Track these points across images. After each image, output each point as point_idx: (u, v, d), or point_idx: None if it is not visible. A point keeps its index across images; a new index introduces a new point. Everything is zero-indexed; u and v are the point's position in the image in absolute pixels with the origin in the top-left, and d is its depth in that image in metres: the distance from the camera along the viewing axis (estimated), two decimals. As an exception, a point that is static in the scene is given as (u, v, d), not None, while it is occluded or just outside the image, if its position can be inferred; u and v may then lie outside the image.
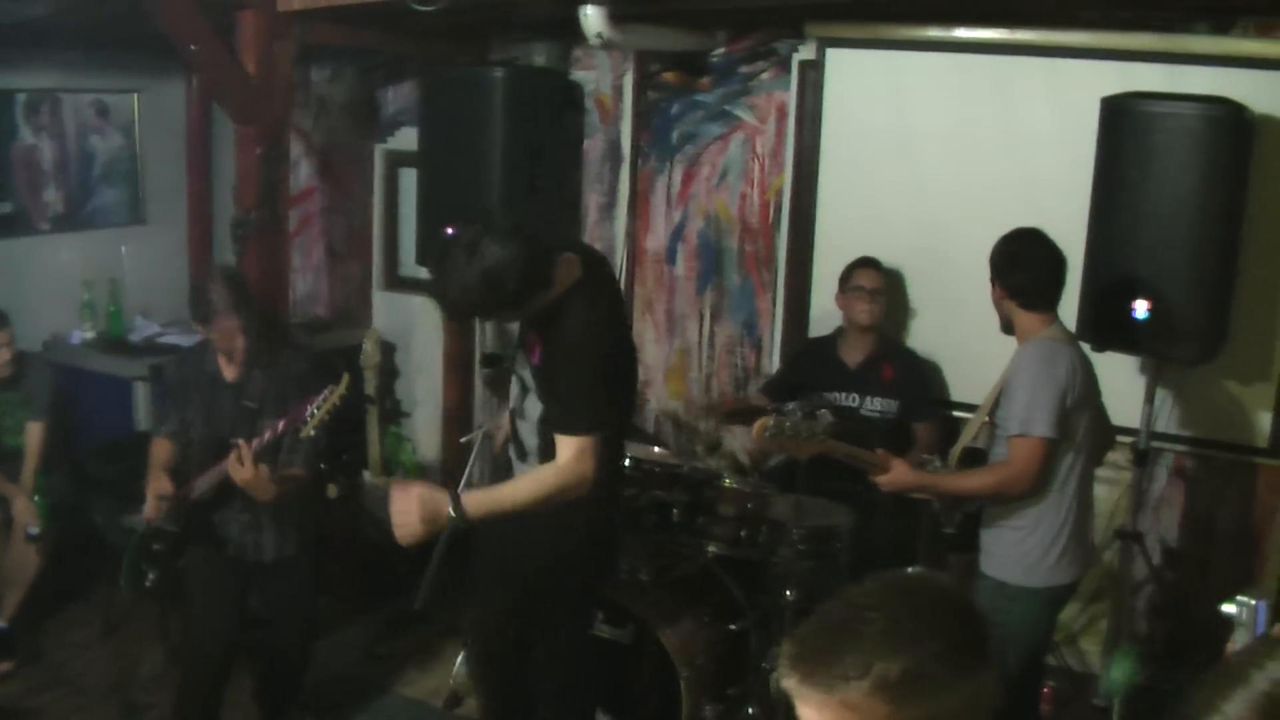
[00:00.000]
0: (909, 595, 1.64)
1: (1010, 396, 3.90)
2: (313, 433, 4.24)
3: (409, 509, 3.51)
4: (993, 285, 4.03)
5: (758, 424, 3.68)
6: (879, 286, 5.24)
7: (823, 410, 3.74)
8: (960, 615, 1.64)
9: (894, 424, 5.19)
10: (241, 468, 4.18)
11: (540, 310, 3.66)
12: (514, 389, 3.93)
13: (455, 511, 3.51)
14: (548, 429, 3.70)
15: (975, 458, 4.18)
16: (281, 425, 4.23)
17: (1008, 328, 4.06)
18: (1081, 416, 3.96)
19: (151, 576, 4.54)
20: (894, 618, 1.58)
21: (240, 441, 4.21)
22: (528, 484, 3.67)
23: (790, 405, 3.75)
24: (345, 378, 4.27)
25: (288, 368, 4.55)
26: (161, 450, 4.61)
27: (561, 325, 3.66)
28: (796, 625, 4.50)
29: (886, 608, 1.60)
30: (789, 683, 1.61)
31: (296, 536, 4.64)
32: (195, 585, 4.60)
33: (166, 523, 4.46)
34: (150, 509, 4.47)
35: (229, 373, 4.53)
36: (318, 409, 4.19)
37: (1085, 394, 3.94)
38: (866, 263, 5.27)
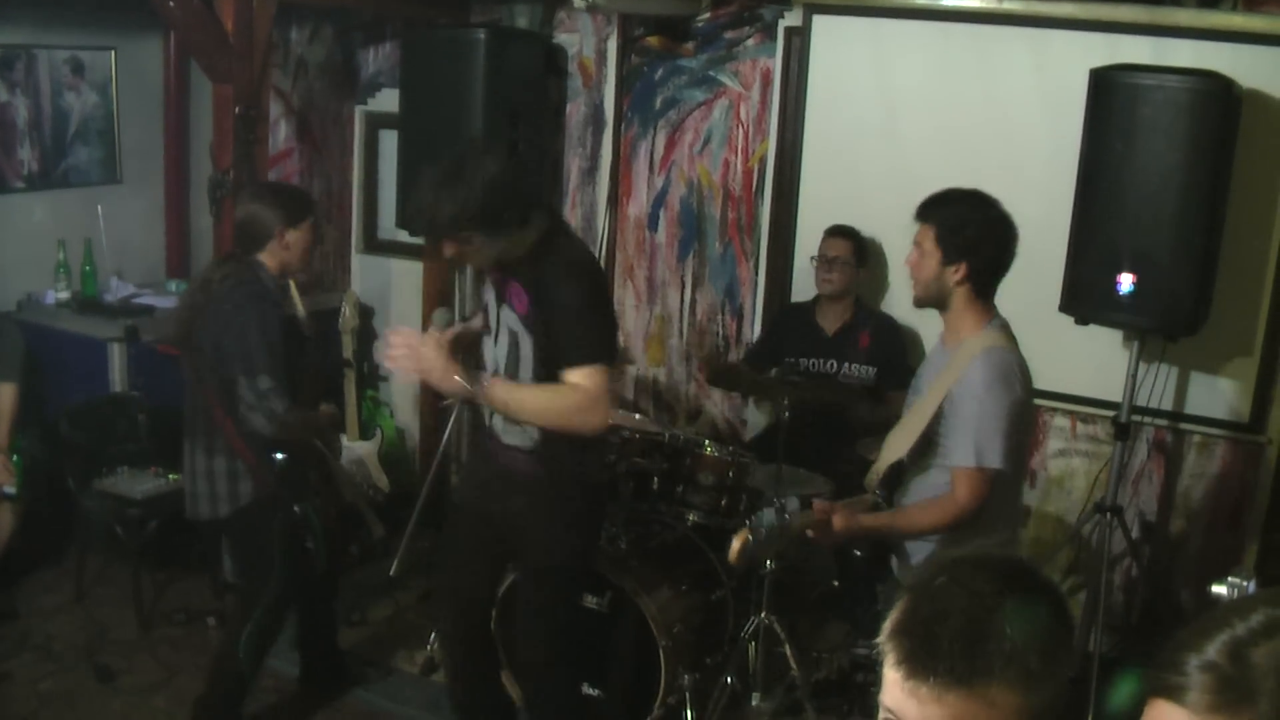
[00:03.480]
0: (1014, 578, 1.59)
1: (957, 422, 3.51)
2: None
3: (422, 352, 3.60)
4: (941, 253, 3.54)
5: (734, 548, 3.26)
6: (843, 256, 5.26)
7: (789, 500, 3.42)
8: (1055, 594, 1.62)
9: (870, 390, 5.21)
10: None
11: (521, 255, 3.65)
12: (496, 350, 3.84)
13: (473, 385, 3.57)
14: (551, 370, 3.65)
15: (897, 474, 3.81)
16: None
17: (931, 303, 3.63)
18: (1029, 423, 3.73)
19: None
20: (1012, 603, 1.54)
21: None
22: (549, 394, 3.66)
23: (757, 515, 3.33)
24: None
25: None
26: (311, 418, 4.57)
27: (551, 262, 3.64)
28: (775, 596, 4.47)
29: (1000, 593, 1.55)
30: (909, 680, 1.54)
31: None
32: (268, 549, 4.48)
33: None
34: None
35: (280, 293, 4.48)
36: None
37: (1030, 395, 3.63)
38: (835, 231, 5.30)
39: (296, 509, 4.41)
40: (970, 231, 3.53)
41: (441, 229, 3.60)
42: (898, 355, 5.26)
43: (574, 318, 3.61)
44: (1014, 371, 3.52)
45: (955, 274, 3.53)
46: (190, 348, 4.36)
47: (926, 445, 3.65)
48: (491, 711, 4.42)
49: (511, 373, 3.76)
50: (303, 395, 4.40)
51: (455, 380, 3.61)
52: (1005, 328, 3.61)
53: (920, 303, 3.69)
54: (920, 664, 1.53)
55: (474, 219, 3.55)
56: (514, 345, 3.76)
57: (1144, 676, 1.43)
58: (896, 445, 3.76)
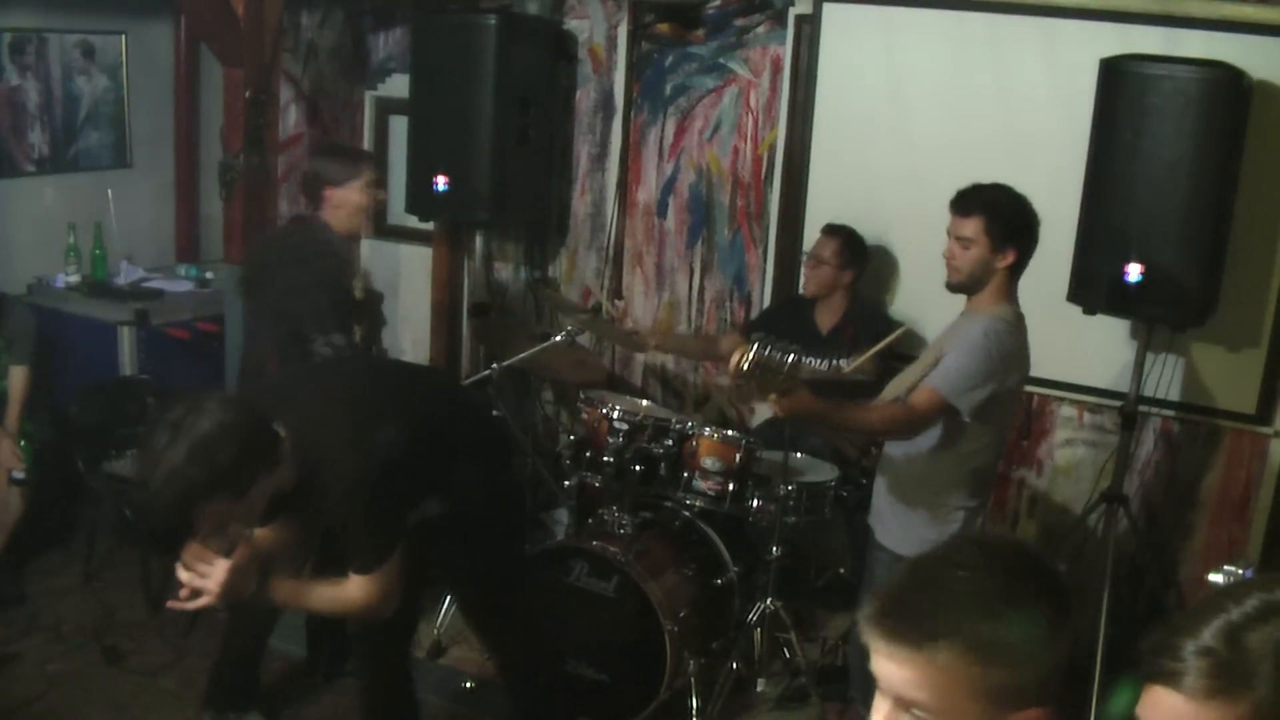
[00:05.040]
0: (1001, 558, 1.61)
1: (947, 357, 3.77)
2: None
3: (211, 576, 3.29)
4: (990, 242, 3.78)
5: (734, 358, 3.38)
6: (826, 255, 5.24)
7: (791, 345, 3.46)
8: (1049, 581, 1.61)
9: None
10: None
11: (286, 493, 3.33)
12: None
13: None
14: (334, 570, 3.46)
15: None
16: None
17: (968, 288, 3.88)
18: (1009, 404, 3.93)
19: None
20: (983, 578, 1.56)
21: None
22: (327, 596, 3.46)
23: (761, 336, 3.51)
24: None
25: None
26: None
27: (322, 481, 3.32)
28: (781, 581, 4.53)
29: (979, 568, 1.57)
30: (872, 638, 1.57)
31: None
32: None
33: None
34: None
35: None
36: None
37: (1019, 382, 3.90)
38: (826, 229, 5.30)
39: None
40: (1019, 220, 3.81)
41: (163, 510, 3.15)
42: (876, 331, 5.19)
43: (360, 525, 3.37)
44: (1011, 342, 3.79)
45: (1003, 261, 3.81)
46: (254, 300, 4.41)
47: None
48: None
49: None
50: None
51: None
52: (1020, 316, 3.88)
53: (957, 288, 3.91)
54: (879, 623, 1.57)
55: (195, 491, 3.07)
56: None
57: (1141, 663, 1.44)
58: (893, 387, 4.01)
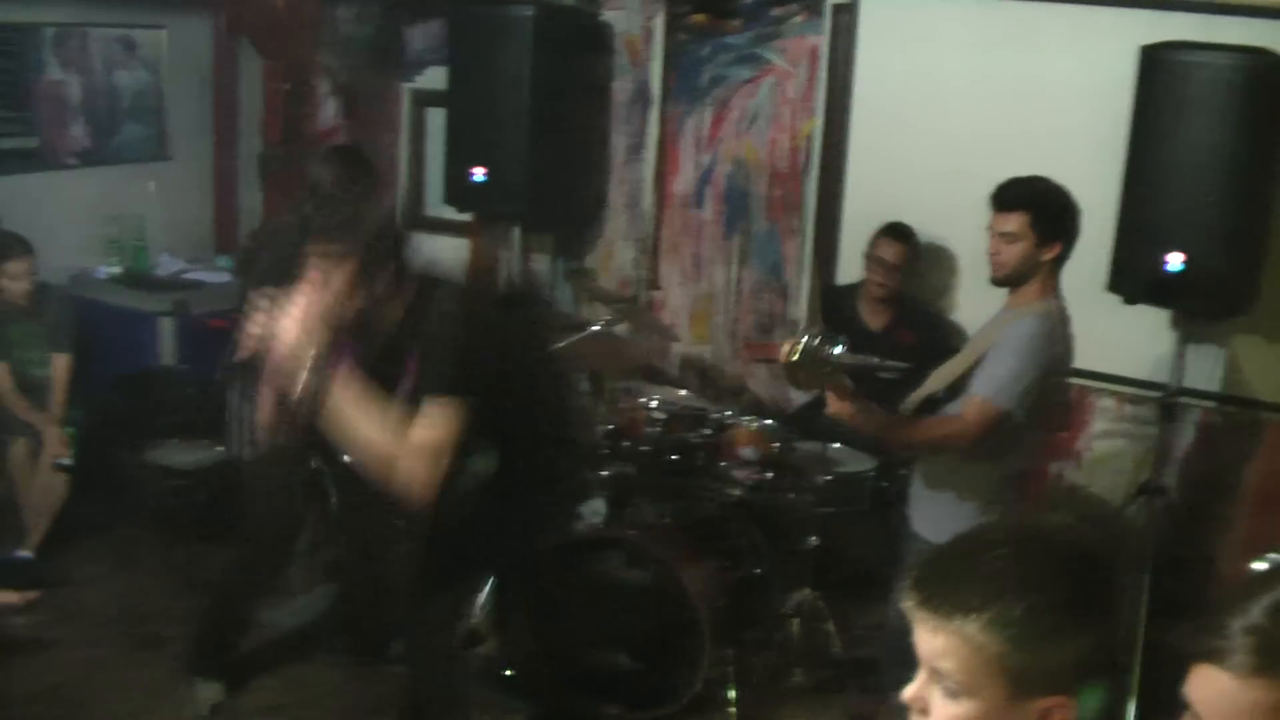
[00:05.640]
0: (1043, 539, 1.60)
1: (993, 359, 3.72)
2: None
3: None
4: (1036, 236, 3.74)
5: (785, 347, 3.38)
6: (898, 261, 5.21)
7: (841, 337, 3.42)
8: (1092, 567, 1.59)
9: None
10: None
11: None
12: None
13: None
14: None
15: (932, 407, 4.00)
16: None
17: (1013, 282, 3.83)
18: (1057, 398, 3.92)
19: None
20: (1023, 558, 1.55)
21: None
22: (378, 419, 3.28)
23: (810, 328, 3.51)
24: None
25: None
26: None
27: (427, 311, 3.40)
28: (816, 571, 4.51)
29: (1017, 547, 1.57)
30: (909, 604, 1.58)
31: None
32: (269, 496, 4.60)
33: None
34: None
35: None
36: None
37: (1064, 376, 3.89)
38: (891, 232, 5.24)
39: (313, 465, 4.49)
40: (1063, 213, 3.76)
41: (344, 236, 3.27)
42: (941, 353, 5.18)
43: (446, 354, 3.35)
44: (1060, 336, 3.74)
45: (1049, 254, 3.76)
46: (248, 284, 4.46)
47: (959, 386, 3.85)
48: None
49: None
50: None
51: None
52: (1064, 309, 3.82)
53: (1002, 283, 3.85)
54: (916, 590, 1.58)
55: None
56: None
57: (1186, 642, 1.44)
58: (936, 380, 3.97)
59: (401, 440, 3.25)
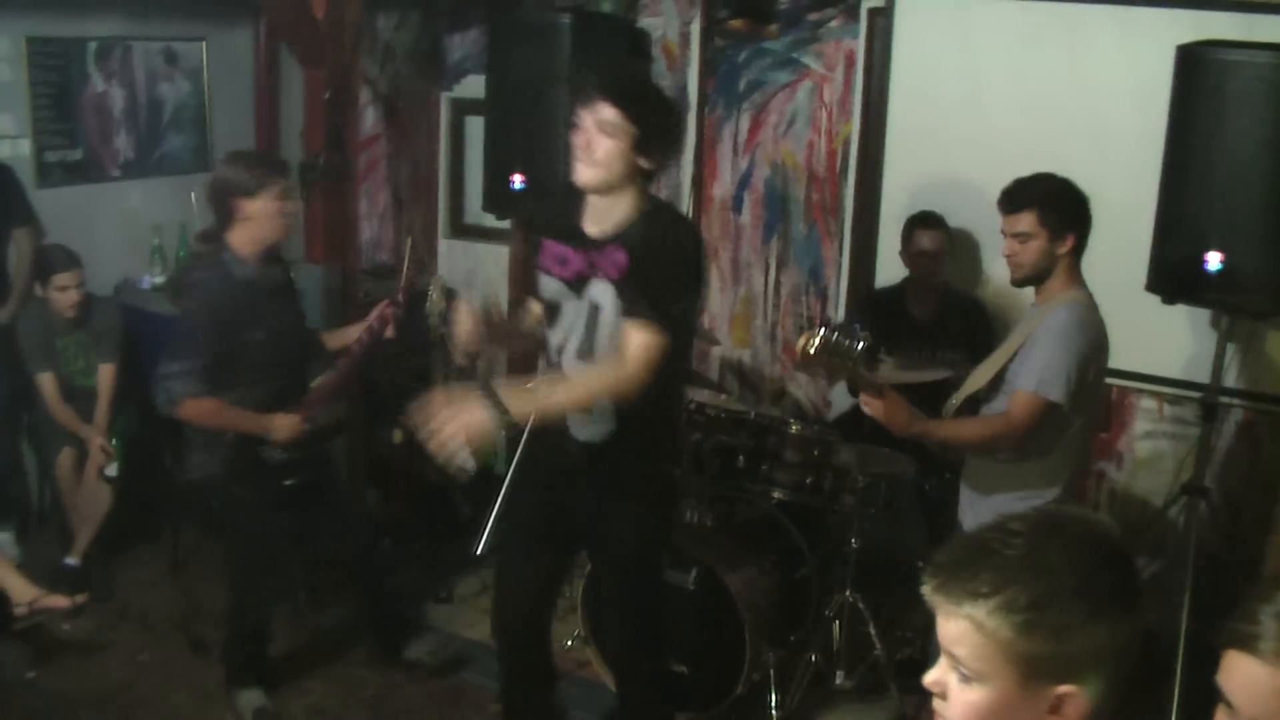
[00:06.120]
0: (1059, 529, 1.62)
1: (1031, 353, 3.77)
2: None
3: (452, 422, 3.35)
4: (1048, 232, 3.80)
5: (801, 340, 3.42)
6: (939, 246, 5.21)
7: (865, 333, 3.43)
8: (1107, 558, 1.61)
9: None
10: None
11: (625, 217, 3.63)
12: (566, 332, 3.77)
13: (501, 418, 3.40)
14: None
15: (974, 407, 4.06)
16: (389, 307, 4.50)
17: (1035, 280, 3.89)
18: (1099, 388, 3.92)
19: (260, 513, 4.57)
20: (1036, 547, 1.58)
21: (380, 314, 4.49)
22: (583, 381, 3.61)
23: (829, 324, 3.53)
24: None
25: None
26: (213, 408, 4.30)
27: (656, 227, 3.62)
28: (859, 573, 4.52)
29: (1032, 536, 1.60)
30: (928, 591, 1.62)
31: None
32: (251, 508, 4.56)
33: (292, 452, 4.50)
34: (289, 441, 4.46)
35: (275, 278, 4.47)
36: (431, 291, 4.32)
37: (1104, 364, 3.88)
38: (924, 221, 5.23)
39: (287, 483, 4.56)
40: (1072, 204, 3.82)
41: (630, 108, 3.50)
42: (986, 336, 5.23)
43: (663, 281, 3.56)
44: (1091, 321, 3.79)
45: (1064, 247, 3.81)
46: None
47: (998, 382, 3.91)
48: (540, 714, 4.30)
49: (587, 348, 3.71)
50: (245, 371, 4.37)
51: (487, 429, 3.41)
52: (1091, 296, 3.87)
53: (1023, 283, 3.92)
54: (934, 576, 1.62)
55: (659, 129, 3.59)
56: (592, 319, 3.69)
57: (1220, 631, 1.45)
58: (976, 379, 4.02)
59: (614, 375, 3.54)
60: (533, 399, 3.60)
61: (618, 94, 3.52)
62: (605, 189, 3.61)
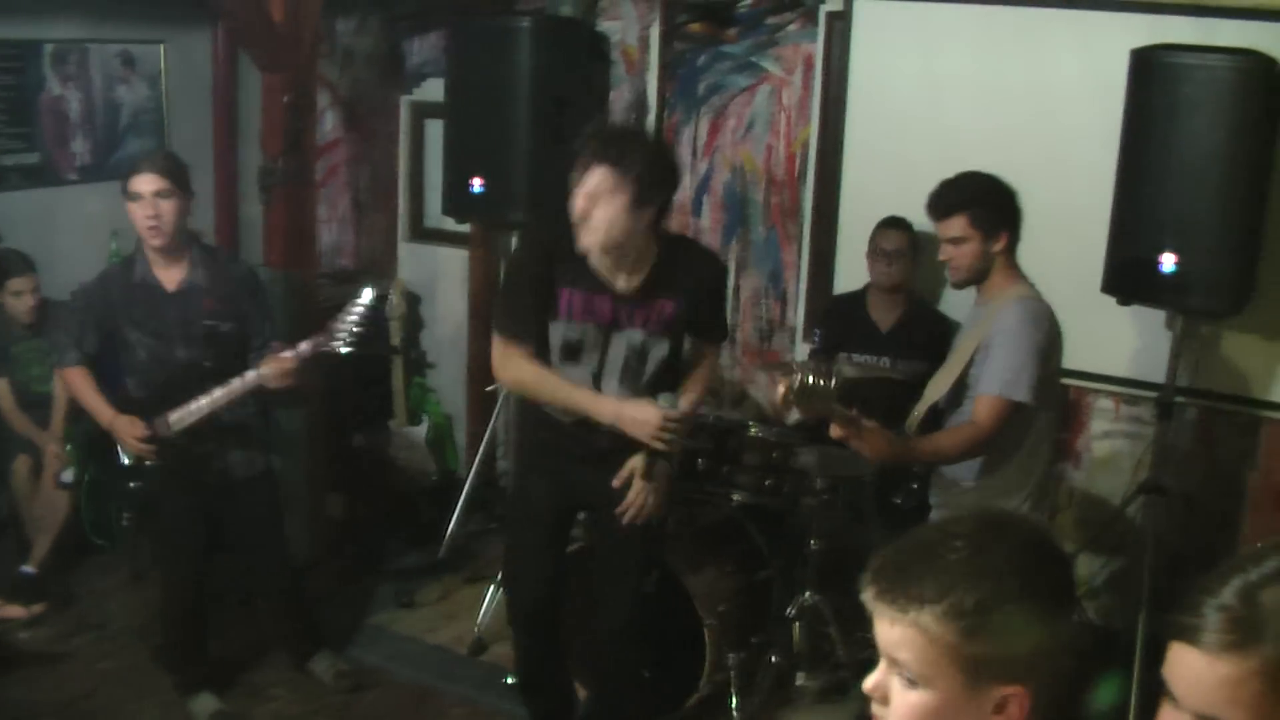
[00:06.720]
0: (999, 531, 1.64)
1: (990, 356, 3.81)
2: (344, 350, 4.21)
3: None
4: (981, 234, 3.85)
5: (780, 388, 3.41)
6: (901, 248, 5.18)
7: (837, 367, 3.57)
8: (1047, 559, 1.64)
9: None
10: (282, 376, 4.24)
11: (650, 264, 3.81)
12: (601, 362, 3.90)
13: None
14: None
15: (935, 417, 4.10)
16: (308, 345, 4.22)
17: (974, 281, 3.95)
18: (1058, 377, 3.98)
19: (127, 516, 4.61)
20: (979, 549, 1.59)
21: (279, 356, 4.26)
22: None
23: (802, 362, 3.60)
24: (369, 292, 4.27)
25: (230, 271, 4.51)
26: (82, 379, 4.49)
27: (693, 259, 3.93)
28: (820, 575, 4.53)
29: (974, 539, 1.61)
30: (868, 597, 1.63)
31: (263, 454, 4.66)
32: (164, 511, 4.60)
33: (150, 460, 4.43)
34: (133, 449, 4.41)
35: (170, 279, 4.44)
36: (350, 322, 4.18)
37: (1060, 354, 3.93)
38: (890, 223, 5.22)
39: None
40: (1001, 202, 3.87)
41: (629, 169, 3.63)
42: (934, 325, 5.23)
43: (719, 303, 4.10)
44: (1044, 316, 3.84)
45: (998, 246, 3.85)
46: None
47: (960, 389, 3.94)
48: (558, 693, 4.44)
49: (632, 384, 3.87)
50: (131, 365, 4.49)
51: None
52: (1036, 291, 3.92)
53: (963, 285, 3.98)
54: (874, 582, 1.62)
55: (658, 183, 3.72)
56: (636, 359, 3.88)
57: (1165, 624, 1.48)
58: (934, 390, 4.04)
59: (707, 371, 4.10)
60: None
61: (606, 156, 3.60)
62: (615, 249, 3.71)
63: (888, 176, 5.46)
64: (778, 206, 5.90)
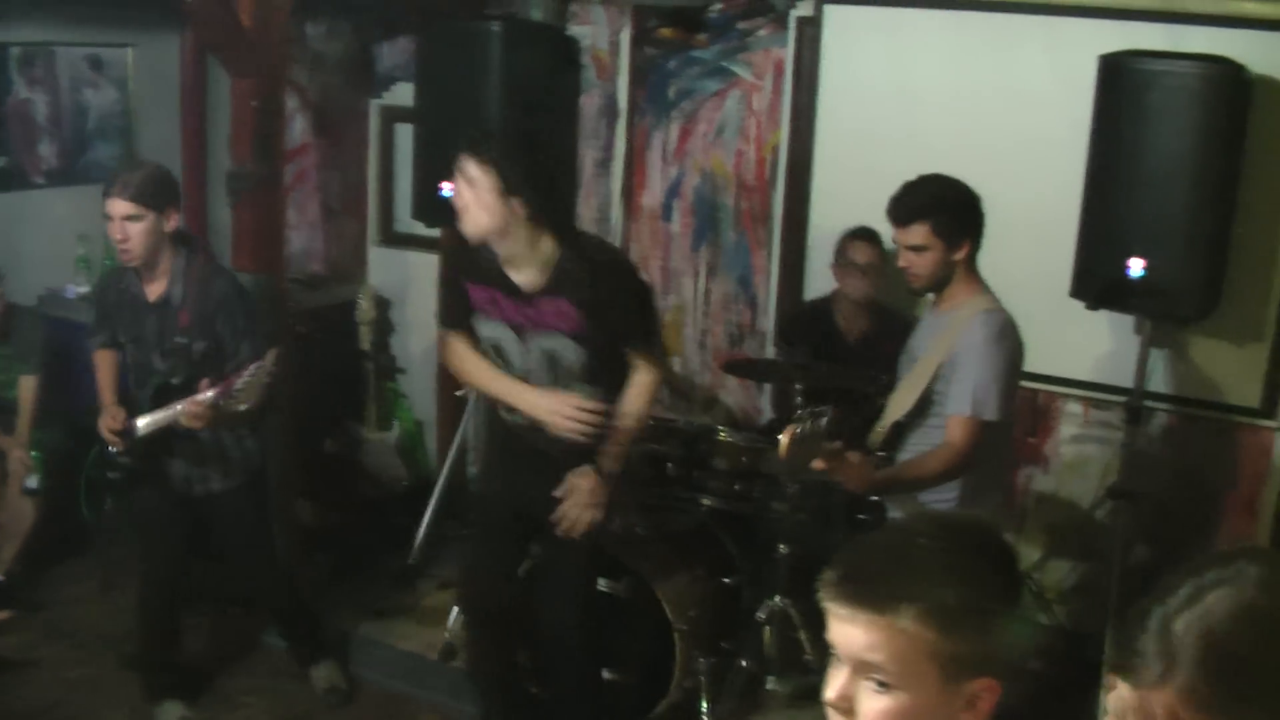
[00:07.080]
0: (961, 529, 1.66)
1: (958, 374, 3.79)
2: (242, 407, 4.18)
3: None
4: (943, 242, 3.82)
5: (785, 442, 3.41)
6: (873, 262, 5.17)
7: (822, 412, 3.52)
8: (1004, 557, 1.66)
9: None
10: (196, 418, 4.19)
11: (547, 263, 3.84)
12: (521, 368, 3.98)
13: None
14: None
15: (899, 432, 4.07)
16: (214, 393, 4.17)
17: (934, 289, 3.93)
18: (1017, 389, 3.97)
19: (109, 502, 4.72)
20: (947, 549, 1.60)
21: (191, 399, 4.19)
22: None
23: (799, 414, 3.54)
24: (272, 353, 4.22)
25: (211, 287, 4.46)
26: (104, 362, 4.63)
27: (596, 261, 3.89)
28: (791, 579, 4.54)
29: (939, 539, 1.62)
30: (833, 603, 1.61)
31: (242, 466, 4.63)
32: (141, 521, 4.64)
33: (120, 455, 4.43)
34: (104, 436, 4.43)
35: (151, 291, 4.45)
36: (245, 384, 4.14)
37: (1022, 366, 3.93)
38: (861, 235, 5.19)
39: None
40: (963, 211, 3.83)
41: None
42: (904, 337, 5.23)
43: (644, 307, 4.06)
44: (1009, 328, 3.81)
45: (960, 254, 3.83)
46: None
47: (925, 404, 3.91)
48: (514, 692, 4.51)
49: (555, 387, 3.93)
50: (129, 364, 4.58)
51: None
52: (997, 300, 3.90)
53: (922, 293, 3.99)
54: (841, 588, 1.61)
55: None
56: (549, 365, 3.93)
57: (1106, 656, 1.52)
58: (897, 406, 4.00)
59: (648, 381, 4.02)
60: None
61: (471, 148, 3.78)
62: (496, 236, 3.80)
63: (858, 181, 5.45)
64: (748, 211, 5.91)
